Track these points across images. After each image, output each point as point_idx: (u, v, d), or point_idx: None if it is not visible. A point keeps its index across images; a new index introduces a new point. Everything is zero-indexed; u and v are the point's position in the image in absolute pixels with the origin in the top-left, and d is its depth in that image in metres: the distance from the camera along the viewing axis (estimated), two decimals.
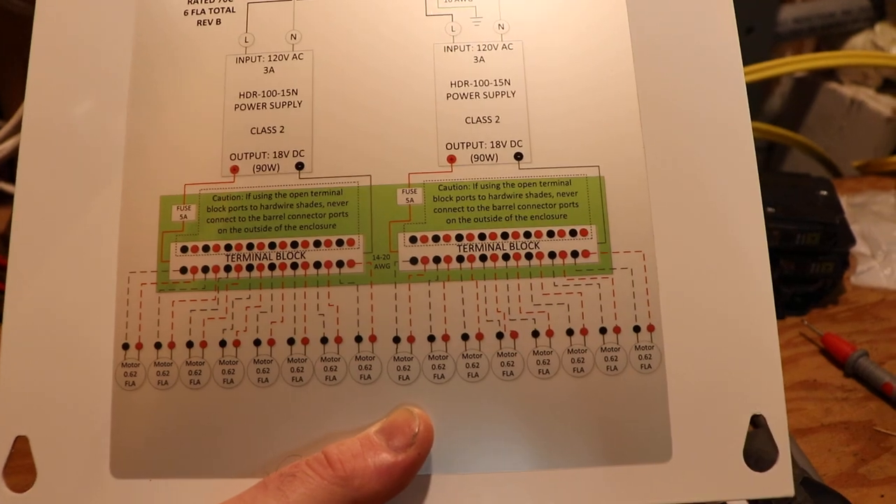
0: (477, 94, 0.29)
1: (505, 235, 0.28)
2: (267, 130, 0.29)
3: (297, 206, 0.28)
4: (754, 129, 0.62)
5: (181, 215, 0.29)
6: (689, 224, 0.28)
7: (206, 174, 0.29)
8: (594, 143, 0.29)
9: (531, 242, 0.28)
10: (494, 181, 0.28)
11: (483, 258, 0.28)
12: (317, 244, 0.28)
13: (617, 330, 0.27)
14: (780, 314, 0.48)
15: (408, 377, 0.27)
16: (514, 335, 0.27)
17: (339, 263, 0.28)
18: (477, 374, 0.27)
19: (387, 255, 0.28)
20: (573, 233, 0.28)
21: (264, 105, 0.29)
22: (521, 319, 0.28)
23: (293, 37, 0.30)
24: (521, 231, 0.28)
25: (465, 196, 0.28)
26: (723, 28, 0.29)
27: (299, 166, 0.29)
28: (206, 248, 0.28)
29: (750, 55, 0.66)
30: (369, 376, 0.27)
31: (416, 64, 0.29)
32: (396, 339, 0.27)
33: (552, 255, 0.28)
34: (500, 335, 0.27)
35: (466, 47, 0.30)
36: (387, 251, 0.28)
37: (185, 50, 0.30)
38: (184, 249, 0.28)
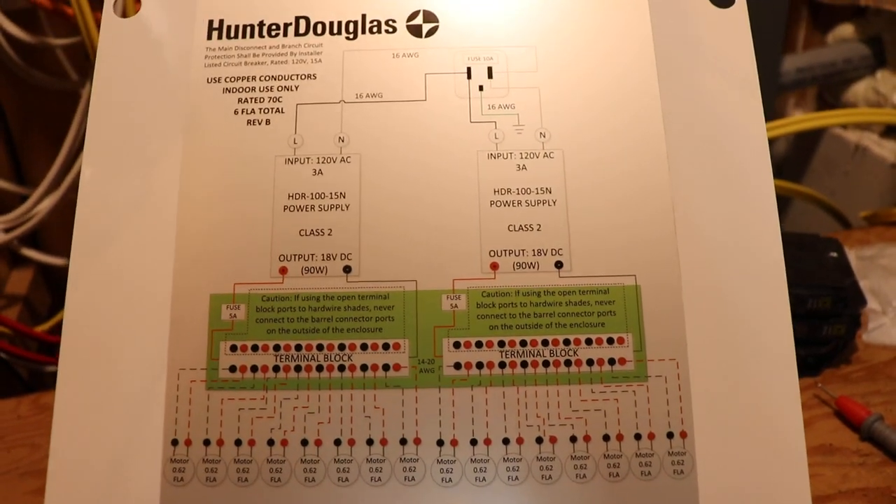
0: (519, 202, 0.30)
1: (545, 342, 0.29)
2: (315, 233, 0.30)
3: (344, 308, 0.29)
4: None
5: (231, 314, 0.29)
6: (720, 331, 0.29)
7: (255, 274, 0.30)
8: (631, 253, 0.30)
9: (570, 350, 0.29)
10: (536, 289, 0.29)
11: (524, 364, 0.29)
12: (364, 347, 0.29)
13: (651, 436, 0.29)
14: None
15: (451, 479, 0.28)
16: (552, 440, 0.29)
17: (385, 367, 0.29)
18: (517, 478, 0.28)
19: (431, 360, 0.29)
20: (610, 340, 0.29)
21: (313, 207, 0.30)
22: (560, 425, 0.29)
23: (341, 139, 0.31)
24: (561, 338, 0.29)
25: (507, 303, 0.29)
26: (754, 146, 0.31)
27: (347, 270, 0.30)
28: (255, 348, 0.29)
29: None
30: (413, 478, 0.28)
31: (460, 170, 0.30)
32: (440, 443, 0.28)
33: (590, 362, 0.29)
34: (539, 440, 0.29)
35: (509, 155, 0.31)
36: (431, 356, 0.29)
37: (236, 149, 0.31)
38: (233, 348, 0.29)
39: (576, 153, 0.31)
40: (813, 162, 0.77)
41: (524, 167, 0.31)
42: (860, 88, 0.74)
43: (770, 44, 0.68)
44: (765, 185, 0.30)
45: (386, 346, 0.29)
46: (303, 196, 0.30)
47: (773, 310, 0.30)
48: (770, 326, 0.30)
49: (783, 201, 0.78)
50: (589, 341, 0.29)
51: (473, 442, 0.28)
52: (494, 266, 0.30)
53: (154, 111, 0.31)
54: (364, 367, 0.29)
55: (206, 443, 0.29)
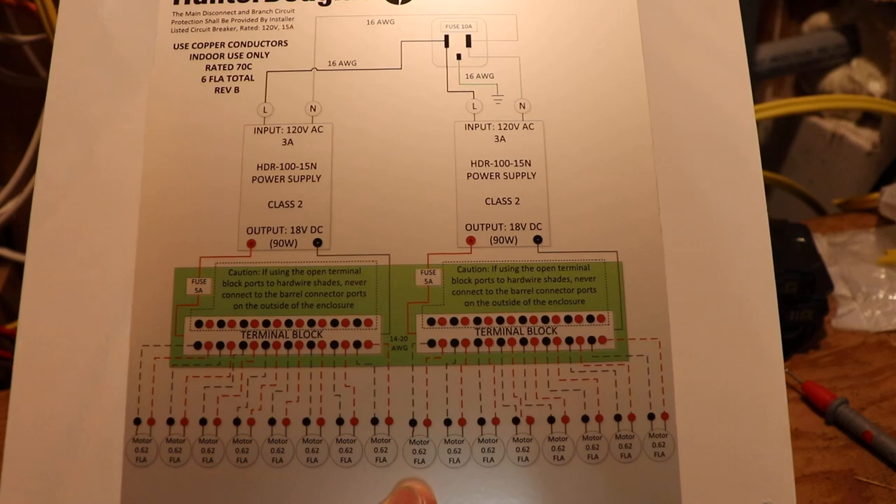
0: (497, 175, 0.29)
1: (523, 320, 0.28)
2: (285, 205, 0.29)
3: (314, 283, 0.28)
4: None
5: (196, 289, 0.28)
6: (704, 310, 0.29)
7: (222, 247, 0.28)
8: (613, 228, 0.29)
9: (549, 327, 0.28)
10: (513, 264, 0.28)
11: (501, 342, 0.28)
12: (334, 323, 0.28)
13: (632, 417, 0.28)
14: None
15: (423, 460, 0.27)
16: (529, 420, 0.28)
17: (357, 344, 0.28)
18: (492, 459, 0.27)
19: (404, 337, 0.28)
20: (591, 318, 0.28)
21: (282, 178, 0.29)
22: (538, 405, 0.28)
23: (313, 108, 0.30)
24: (539, 316, 0.28)
25: (484, 279, 0.28)
26: (741, 118, 0.30)
27: (317, 243, 0.29)
28: (221, 324, 0.28)
29: None
30: (385, 459, 0.27)
31: (436, 141, 0.29)
32: (413, 423, 0.27)
33: (569, 340, 0.28)
34: (516, 420, 0.28)
35: (487, 126, 0.30)
36: (404, 333, 0.28)
37: (202, 117, 0.29)
38: (198, 324, 0.28)
39: (557, 125, 0.30)
40: (791, 151, 0.76)
41: (503, 139, 0.29)
42: (836, 77, 0.74)
43: (743, 32, 0.68)
44: (752, 157, 0.29)
45: (357, 323, 0.28)
46: (272, 167, 0.29)
47: (760, 289, 0.29)
48: (757, 306, 0.29)
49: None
50: (568, 319, 0.28)
51: (447, 422, 0.27)
52: (471, 240, 0.29)
53: (118, 78, 0.30)
54: (334, 345, 0.28)
55: (170, 422, 0.27)
